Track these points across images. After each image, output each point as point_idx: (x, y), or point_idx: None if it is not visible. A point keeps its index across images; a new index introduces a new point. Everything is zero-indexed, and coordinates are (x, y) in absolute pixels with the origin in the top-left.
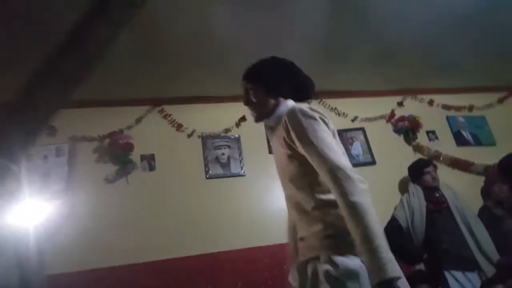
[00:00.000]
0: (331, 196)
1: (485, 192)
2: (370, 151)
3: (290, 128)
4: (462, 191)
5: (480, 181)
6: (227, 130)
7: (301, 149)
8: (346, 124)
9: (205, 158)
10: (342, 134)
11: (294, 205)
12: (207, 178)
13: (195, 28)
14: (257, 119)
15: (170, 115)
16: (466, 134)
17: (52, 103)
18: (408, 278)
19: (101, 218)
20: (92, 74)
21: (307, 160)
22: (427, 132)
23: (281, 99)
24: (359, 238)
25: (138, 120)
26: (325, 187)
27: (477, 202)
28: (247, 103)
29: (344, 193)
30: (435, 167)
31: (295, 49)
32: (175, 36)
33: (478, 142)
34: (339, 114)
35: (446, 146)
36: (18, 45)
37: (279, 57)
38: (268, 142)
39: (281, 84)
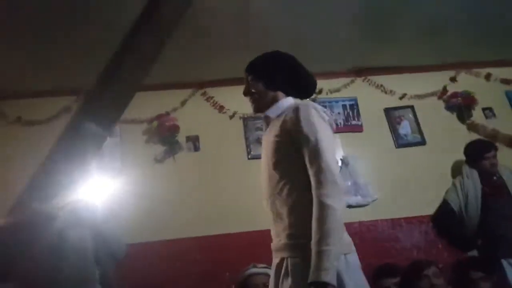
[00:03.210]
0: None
1: None
2: (420, 130)
3: (300, 119)
4: None
5: None
6: None
7: (301, 143)
8: (393, 102)
9: (246, 139)
10: (389, 113)
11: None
12: (249, 158)
13: (237, 9)
14: (255, 110)
15: (212, 97)
16: None
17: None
18: (460, 265)
19: (151, 196)
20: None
21: (295, 157)
22: (483, 109)
23: (280, 93)
24: (317, 238)
25: (183, 103)
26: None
27: None
28: (246, 93)
29: (323, 194)
30: (496, 150)
31: (338, 28)
32: (216, 17)
33: None
34: (385, 92)
35: (505, 124)
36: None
37: (282, 52)
38: None
39: (280, 78)
